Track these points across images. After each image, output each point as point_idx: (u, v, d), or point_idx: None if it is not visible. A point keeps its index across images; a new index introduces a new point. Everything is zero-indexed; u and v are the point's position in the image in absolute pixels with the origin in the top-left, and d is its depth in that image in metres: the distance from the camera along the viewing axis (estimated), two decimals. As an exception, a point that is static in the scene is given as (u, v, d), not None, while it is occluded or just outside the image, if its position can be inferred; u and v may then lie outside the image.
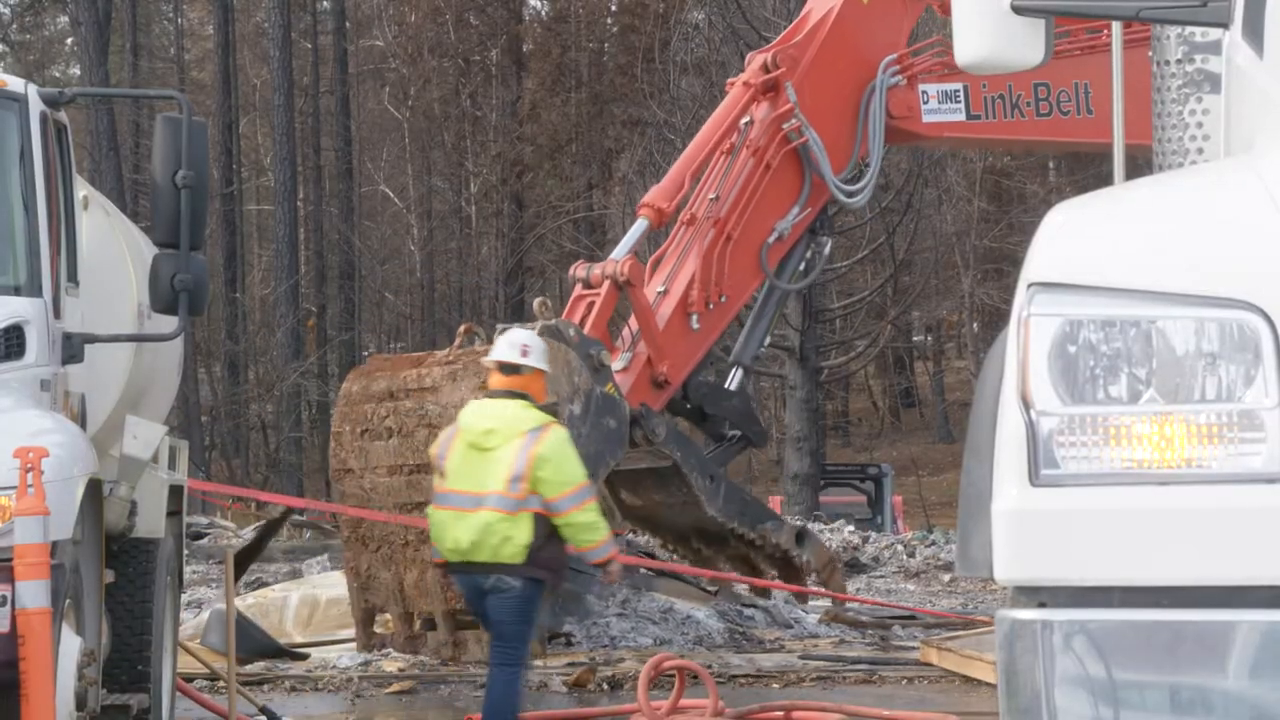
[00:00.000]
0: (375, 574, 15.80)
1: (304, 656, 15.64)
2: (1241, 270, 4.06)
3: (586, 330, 15.92)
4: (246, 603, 17.08)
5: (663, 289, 16.93)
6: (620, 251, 16.61)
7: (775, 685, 13.74)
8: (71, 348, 8.69)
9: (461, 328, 16.22)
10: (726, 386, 17.72)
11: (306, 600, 17.23)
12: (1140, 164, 9.04)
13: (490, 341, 15.55)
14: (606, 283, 16.31)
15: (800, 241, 17.71)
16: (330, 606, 17.02)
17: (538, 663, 14.97)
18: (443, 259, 50.29)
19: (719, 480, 16.76)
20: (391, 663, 15.13)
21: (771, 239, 17.31)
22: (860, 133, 17.66)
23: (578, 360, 15.24)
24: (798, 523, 17.07)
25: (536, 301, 16.29)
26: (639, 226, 16.95)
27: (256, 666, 14.52)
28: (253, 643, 15.20)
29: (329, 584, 17.49)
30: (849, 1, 17.80)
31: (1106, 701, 4.00)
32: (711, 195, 17.08)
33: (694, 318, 16.83)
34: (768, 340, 19.51)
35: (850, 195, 17.81)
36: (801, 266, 18.11)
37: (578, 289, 16.69)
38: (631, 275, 16.22)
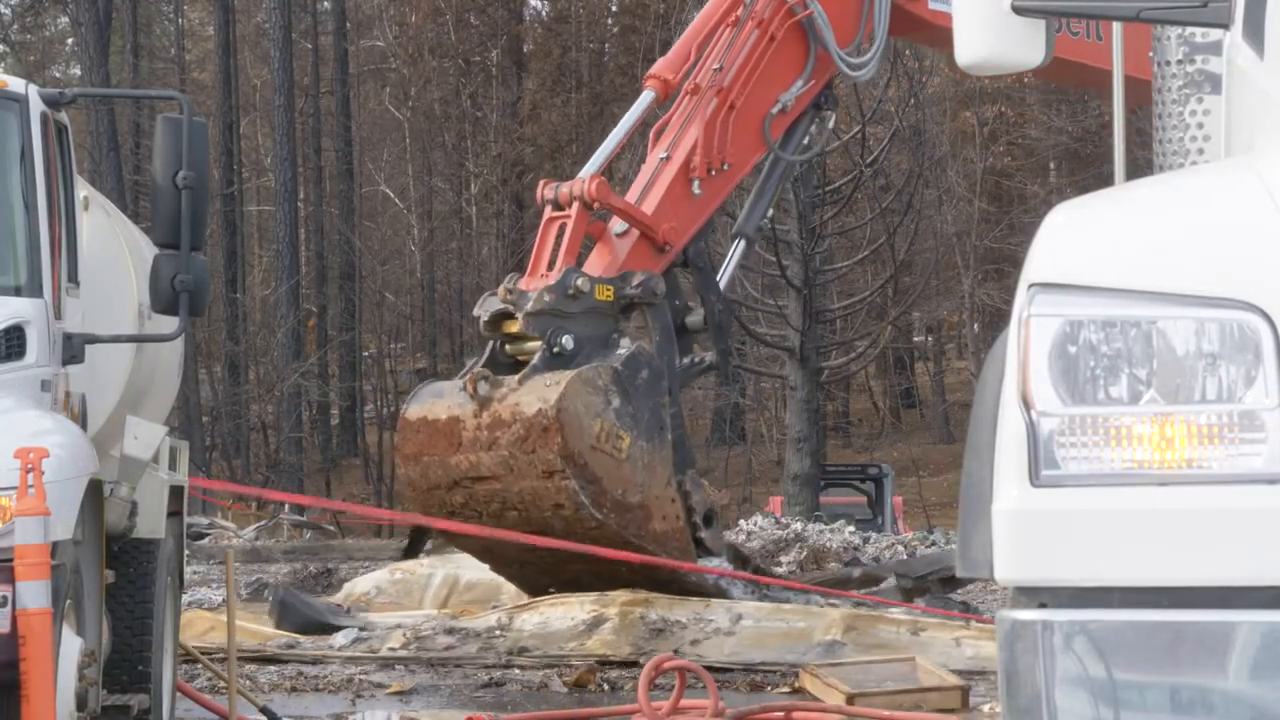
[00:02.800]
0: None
1: (363, 626, 16.04)
2: (1242, 271, 4.06)
3: (558, 263, 15.96)
4: (395, 576, 17.69)
5: (665, 155, 17.11)
6: (589, 168, 16.72)
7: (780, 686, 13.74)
8: (72, 348, 8.69)
9: (468, 381, 15.77)
10: (718, 278, 17.72)
11: (448, 580, 17.60)
12: (1141, 164, 9.05)
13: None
14: (575, 204, 16.36)
15: (804, 115, 17.87)
16: (467, 590, 17.46)
17: (538, 662, 14.97)
18: (443, 259, 50.30)
19: (675, 398, 16.56)
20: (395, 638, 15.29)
21: (775, 110, 17.46)
22: (866, 8, 17.86)
23: (588, 383, 15.11)
24: (714, 500, 16.58)
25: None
26: (644, 98, 17.20)
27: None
28: (302, 617, 15.64)
29: (473, 564, 17.68)
30: None
31: (1107, 702, 4.00)
32: (715, 66, 17.26)
33: (695, 184, 16.99)
34: (770, 213, 19.63)
35: (855, 69, 17.96)
36: (805, 140, 18.29)
37: (548, 210, 16.65)
38: (599, 195, 16.26)
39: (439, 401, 15.96)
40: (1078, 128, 45.55)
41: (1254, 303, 4.02)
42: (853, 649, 14.68)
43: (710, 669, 13.76)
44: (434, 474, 15.92)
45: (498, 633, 15.28)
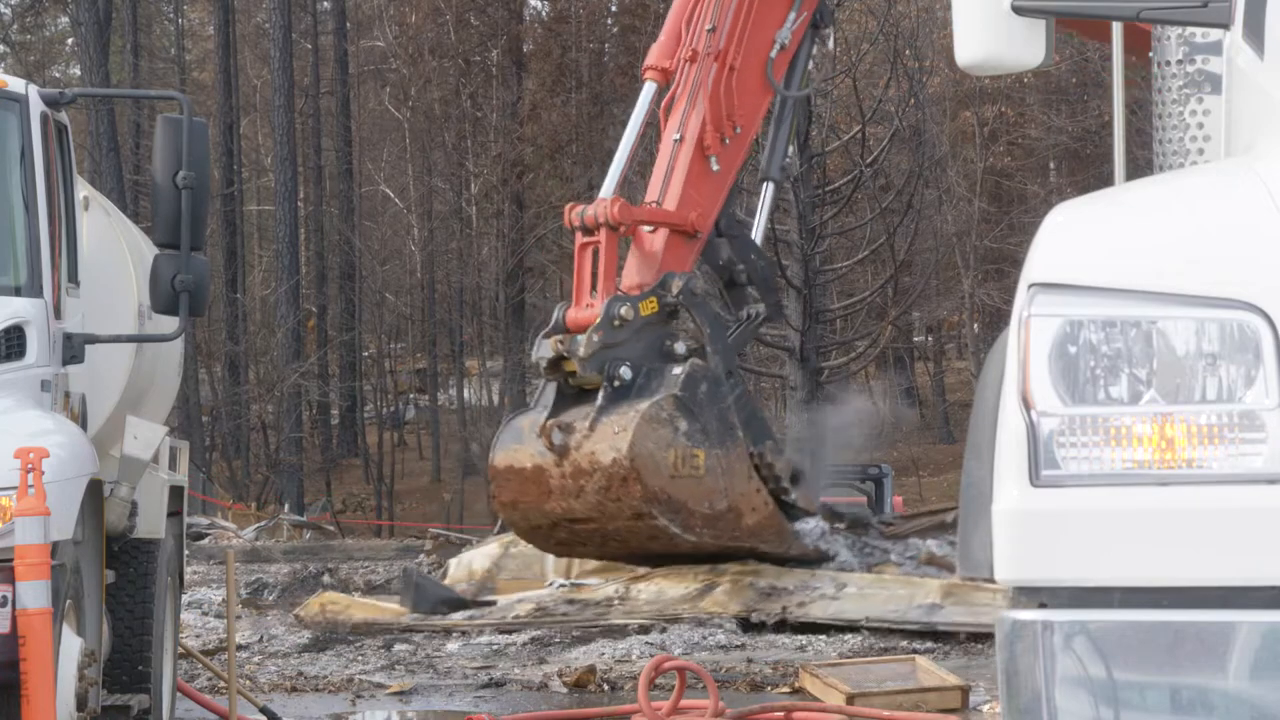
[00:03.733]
0: None
1: (490, 603, 16.71)
2: (1242, 271, 4.06)
3: (599, 290, 16.38)
4: (511, 551, 18.37)
5: (678, 136, 17.35)
6: (608, 187, 17.02)
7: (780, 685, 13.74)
8: (72, 348, 8.69)
9: (544, 434, 16.21)
10: (753, 235, 18.08)
11: None
12: (1141, 164, 9.05)
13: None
14: (602, 230, 16.69)
15: (803, 42, 18.08)
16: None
17: (538, 664, 14.98)
18: (443, 259, 50.28)
19: (736, 377, 17.04)
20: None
21: (774, 52, 17.71)
22: None
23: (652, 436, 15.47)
24: (797, 461, 17.05)
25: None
26: (647, 92, 17.46)
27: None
28: (432, 597, 16.24)
29: None
30: None
31: (1107, 702, 4.00)
32: (708, 27, 17.45)
33: (713, 160, 17.27)
34: (792, 150, 20.02)
35: None
36: (810, 65, 18.64)
37: (579, 237, 17.01)
38: (622, 218, 16.63)
39: (521, 449, 16.49)
40: (1078, 128, 45.54)
41: (1254, 303, 4.02)
42: (952, 609, 15.01)
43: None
44: (534, 518, 16.68)
45: (616, 602, 16.03)
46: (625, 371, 16.02)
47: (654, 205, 17.34)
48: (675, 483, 15.70)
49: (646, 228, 17.08)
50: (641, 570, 16.76)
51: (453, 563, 19.32)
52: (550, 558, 18.03)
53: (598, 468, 15.56)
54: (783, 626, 16.08)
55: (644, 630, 16.05)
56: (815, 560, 16.40)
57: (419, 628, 15.97)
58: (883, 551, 16.62)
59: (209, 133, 9.22)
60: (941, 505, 18.75)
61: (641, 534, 15.90)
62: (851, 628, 15.74)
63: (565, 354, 16.29)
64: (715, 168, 17.20)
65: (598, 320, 16.03)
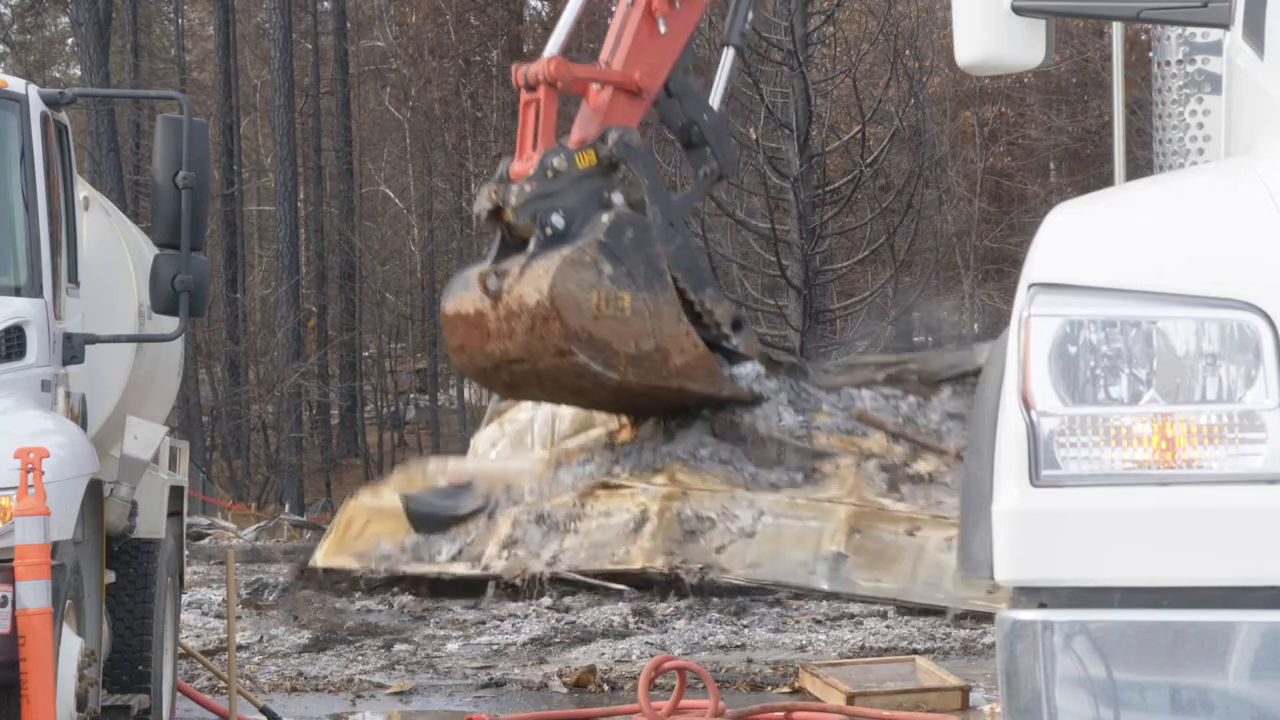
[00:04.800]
0: None
1: (479, 511, 17.49)
2: (1242, 271, 4.06)
3: (539, 145, 16.89)
4: (505, 429, 19.10)
5: (630, 0, 17.72)
6: (552, 46, 17.54)
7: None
8: (72, 348, 8.69)
9: (480, 280, 16.96)
10: (711, 99, 18.49)
11: (547, 420, 19.07)
12: (1141, 164, 9.05)
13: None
14: (542, 87, 17.18)
15: None
16: (566, 422, 18.77)
17: (538, 664, 15.00)
18: (443, 259, 50.26)
19: (678, 228, 17.50)
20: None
21: None
22: None
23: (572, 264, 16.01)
24: (739, 308, 17.70)
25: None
26: None
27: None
28: (431, 521, 16.97)
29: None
30: None
31: (1107, 702, 4.00)
32: None
33: (660, 22, 17.67)
34: (750, 16, 20.44)
35: None
36: None
37: (523, 94, 17.55)
38: (559, 74, 17.06)
39: (466, 295, 17.27)
40: (1078, 128, 45.53)
41: (1254, 303, 4.02)
42: (854, 561, 15.20)
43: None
44: (479, 361, 17.44)
45: (573, 525, 16.65)
46: (557, 220, 16.64)
47: (604, 65, 17.83)
48: (598, 323, 16.48)
49: (595, 86, 17.56)
50: (597, 484, 17.16)
51: (473, 441, 20.62)
52: (535, 432, 18.63)
53: (524, 309, 16.27)
54: (714, 591, 16.44)
55: (641, 631, 16.09)
56: (748, 402, 16.96)
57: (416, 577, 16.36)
58: (816, 400, 16.90)
59: (209, 133, 9.22)
60: (877, 358, 18.97)
61: (569, 372, 16.65)
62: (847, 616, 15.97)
63: (500, 204, 16.88)
64: (663, 30, 17.66)
65: (531, 171, 16.62)
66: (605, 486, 17.27)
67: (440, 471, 18.78)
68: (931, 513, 15.67)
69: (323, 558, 18.12)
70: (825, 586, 15.68)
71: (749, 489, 16.66)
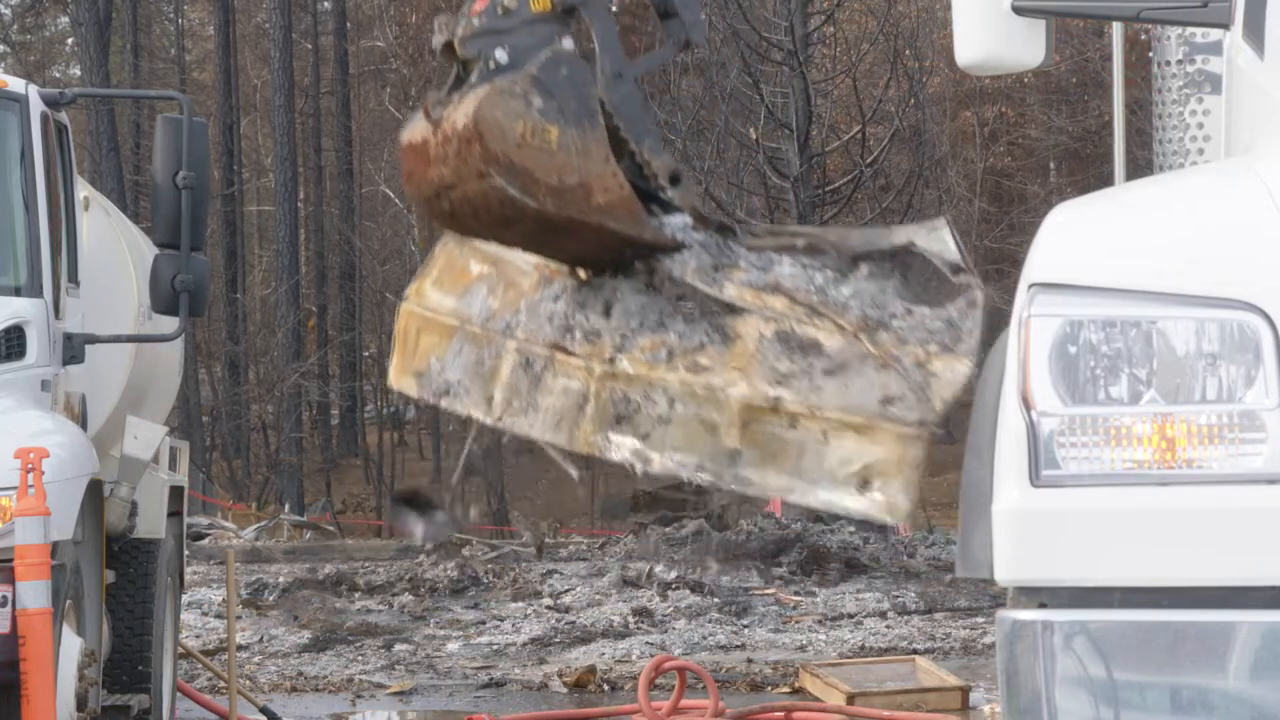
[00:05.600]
0: None
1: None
2: (1242, 271, 4.06)
3: None
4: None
5: None
6: None
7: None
8: (72, 348, 8.69)
9: (424, 107, 17.26)
10: None
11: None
12: (1141, 164, 9.04)
13: None
14: None
15: None
16: None
17: (538, 664, 15.00)
18: (443, 259, 50.22)
19: (628, 76, 17.40)
20: None
21: None
22: None
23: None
24: (676, 162, 17.73)
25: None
26: None
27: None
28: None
29: None
30: None
31: (1107, 702, 4.00)
32: None
33: None
34: None
35: None
36: None
37: None
38: None
39: (417, 125, 17.31)
40: (1078, 128, 45.54)
41: (1254, 303, 4.02)
42: (746, 457, 15.56)
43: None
44: (424, 188, 17.45)
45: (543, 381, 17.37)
46: (501, 54, 16.64)
47: None
48: (521, 151, 16.66)
49: None
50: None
51: None
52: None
53: (455, 133, 16.34)
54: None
55: (641, 630, 16.08)
56: (669, 247, 17.04)
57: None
58: (736, 257, 16.95)
59: (209, 133, 9.22)
60: (801, 227, 19.12)
61: (492, 198, 16.64)
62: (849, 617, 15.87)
63: (450, 37, 16.94)
64: None
65: (485, 6, 16.64)
66: (562, 350, 17.38)
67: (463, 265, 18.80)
68: (810, 405, 15.77)
69: (394, 378, 18.14)
70: (723, 486, 15.77)
71: (666, 367, 16.73)
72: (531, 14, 17.58)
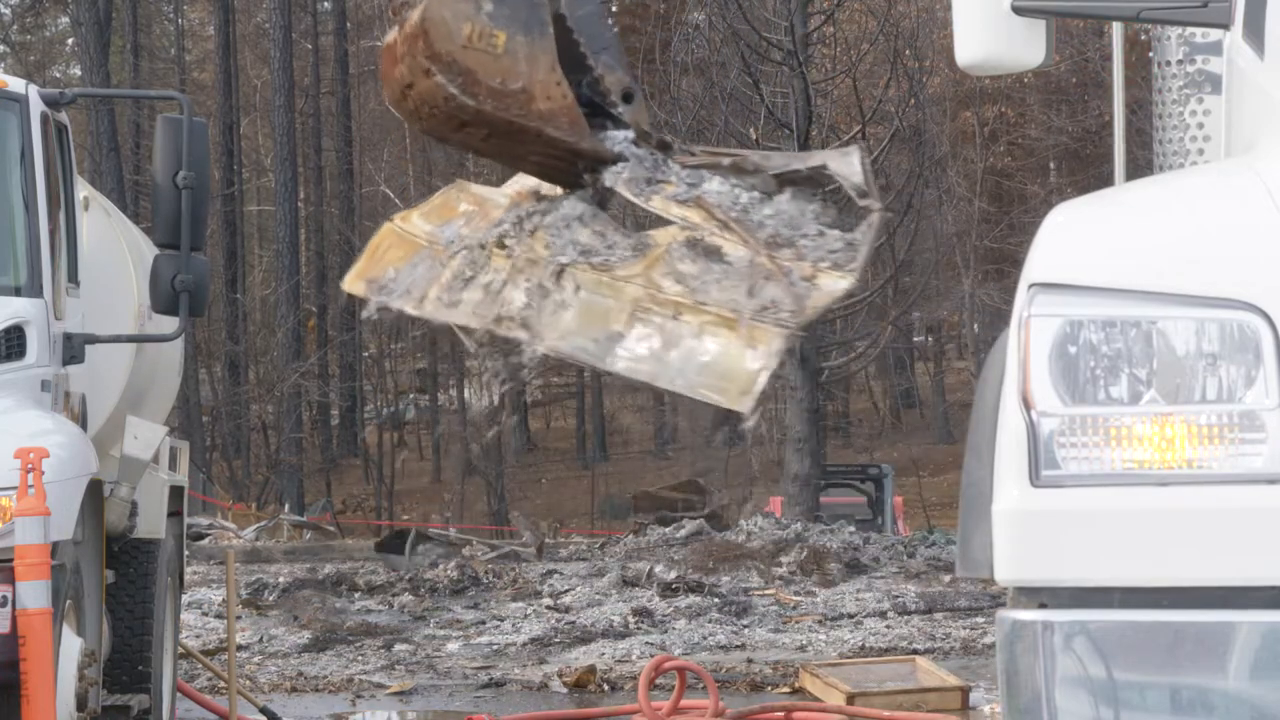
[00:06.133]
0: None
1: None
2: (1242, 271, 4.06)
3: None
4: None
5: None
6: None
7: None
8: (72, 348, 8.69)
9: (390, 7, 17.51)
10: None
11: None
12: (1141, 164, 9.04)
13: None
14: None
15: None
16: None
17: (538, 664, 14.99)
18: (443, 259, 50.24)
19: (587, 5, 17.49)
20: None
21: None
22: None
23: None
24: (630, 80, 17.80)
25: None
26: None
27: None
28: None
29: None
30: None
31: (1107, 702, 4.00)
32: None
33: None
34: None
35: None
36: None
37: None
38: None
39: (390, 30, 17.60)
40: (1078, 128, 45.55)
41: (1254, 303, 4.02)
42: (628, 342, 15.88)
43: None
44: (392, 89, 17.68)
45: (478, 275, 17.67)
46: None
47: None
48: (466, 52, 16.92)
49: None
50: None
51: None
52: None
53: (410, 30, 16.61)
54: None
55: (639, 631, 16.09)
56: (607, 159, 17.20)
57: None
58: (668, 173, 17.05)
59: (209, 133, 9.22)
60: (731, 149, 19.29)
61: (436, 96, 16.87)
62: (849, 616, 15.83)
63: None
64: None
65: None
66: (497, 247, 17.65)
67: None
68: (695, 300, 15.88)
69: (349, 281, 18.18)
70: (599, 365, 15.92)
71: (584, 262, 16.92)
72: None
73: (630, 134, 18.09)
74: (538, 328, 14.45)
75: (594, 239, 14.68)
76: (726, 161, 15.77)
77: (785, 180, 15.50)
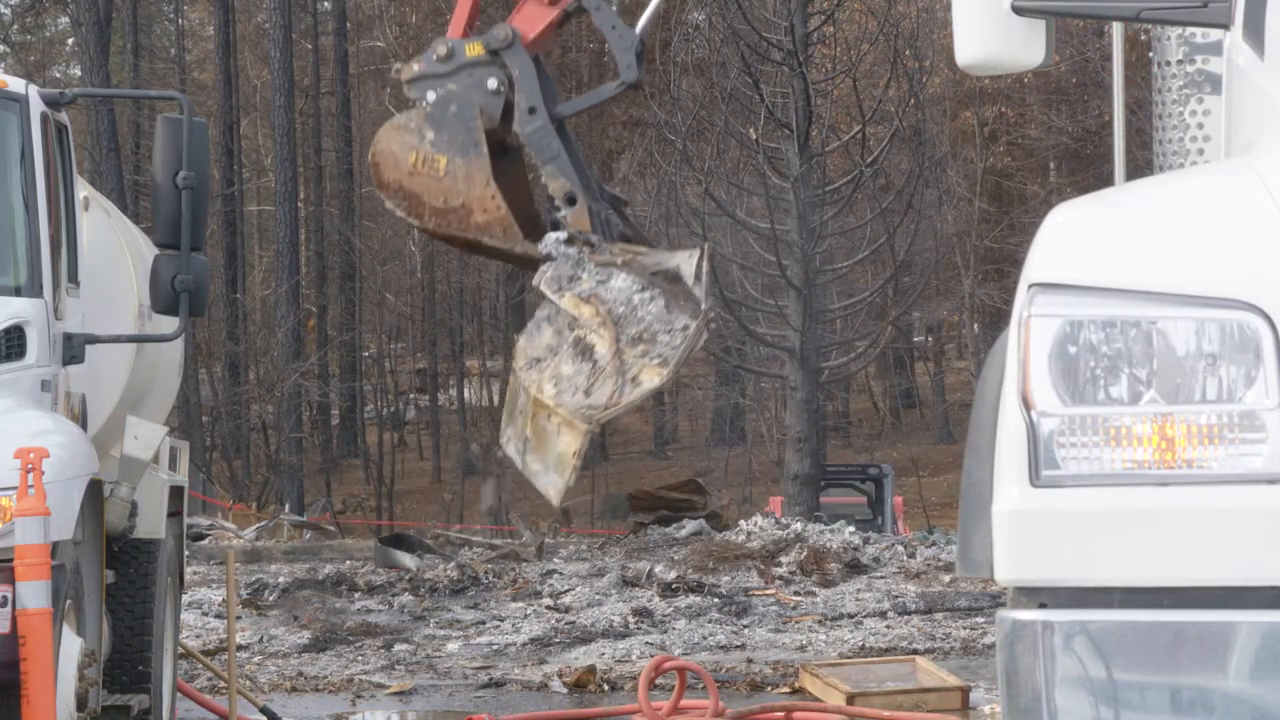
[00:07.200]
0: None
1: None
2: (1242, 271, 4.06)
3: (448, 33, 17.50)
4: None
5: None
6: None
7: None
8: (72, 348, 8.70)
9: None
10: (637, 27, 18.80)
11: None
12: (1141, 164, 9.04)
13: None
14: None
15: None
16: None
17: (538, 664, 15.00)
18: (443, 259, 50.28)
19: (539, 114, 17.68)
20: None
21: None
22: None
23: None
24: (575, 185, 18.01)
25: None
26: None
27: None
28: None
29: None
30: None
31: (1107, 702, 4.00)
32: None
33: None
34: None
35: None
36: None
37: None
38: None
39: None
40: (1078, 128, 45.55)
41: (1254, 303, 4.02)
42: (529, 444, 16.03)
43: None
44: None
45: None
46: (430, 96, 17.34)
47: None
48: (413, 178, 17.57)
49: None
50: None
51: None
52: None
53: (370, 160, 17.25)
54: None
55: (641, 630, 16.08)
56: (539, 261, 17.59)
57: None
58: (583, 270, 17.30)
59: (209, 133, 9.22)
60: (635, 247, 19.58)
61: (398, 215, 17.68)
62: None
63: (400, 78, 17.60)
64: None
65: (425, 52, 17.22)
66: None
67: None
68: (556, 401, 16.25)
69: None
70: (523, 471, 16.39)
71: (524, 366, 17.24)
72: (466, 59, 18.37)
73: (560, 235, 18.67)
74: (504, 433, 15.16)
75: (533, 342, 15.57)
76: (620, 260, 16.63)
77: (661, 276, 16.30)
